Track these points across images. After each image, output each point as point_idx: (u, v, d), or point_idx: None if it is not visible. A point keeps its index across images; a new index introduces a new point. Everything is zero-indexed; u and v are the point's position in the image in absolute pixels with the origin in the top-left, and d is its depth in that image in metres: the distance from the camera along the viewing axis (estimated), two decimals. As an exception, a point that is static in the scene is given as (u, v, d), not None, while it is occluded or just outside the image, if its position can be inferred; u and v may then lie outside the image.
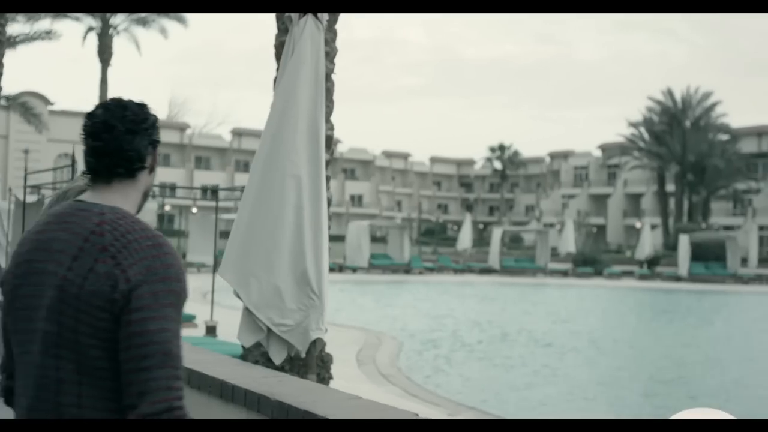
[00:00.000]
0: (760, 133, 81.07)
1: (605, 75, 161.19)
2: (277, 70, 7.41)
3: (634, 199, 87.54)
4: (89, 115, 2.31)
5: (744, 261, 51.55)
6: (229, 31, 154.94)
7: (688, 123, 72.74)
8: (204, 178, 79.72)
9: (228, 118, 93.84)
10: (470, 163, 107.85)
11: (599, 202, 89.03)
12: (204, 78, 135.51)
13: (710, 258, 49.61)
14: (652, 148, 72.44)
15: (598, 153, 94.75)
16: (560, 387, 15.67)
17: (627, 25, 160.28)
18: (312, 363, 6.75)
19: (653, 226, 66.18)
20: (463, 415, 11.09)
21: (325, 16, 5.71)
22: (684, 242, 46.39)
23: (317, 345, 5.73)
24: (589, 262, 50.65)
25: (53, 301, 2.13)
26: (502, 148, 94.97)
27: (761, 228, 66.81)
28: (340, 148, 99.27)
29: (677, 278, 47.07)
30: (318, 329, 5.67)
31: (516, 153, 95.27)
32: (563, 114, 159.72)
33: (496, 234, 50.47)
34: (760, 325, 28.28)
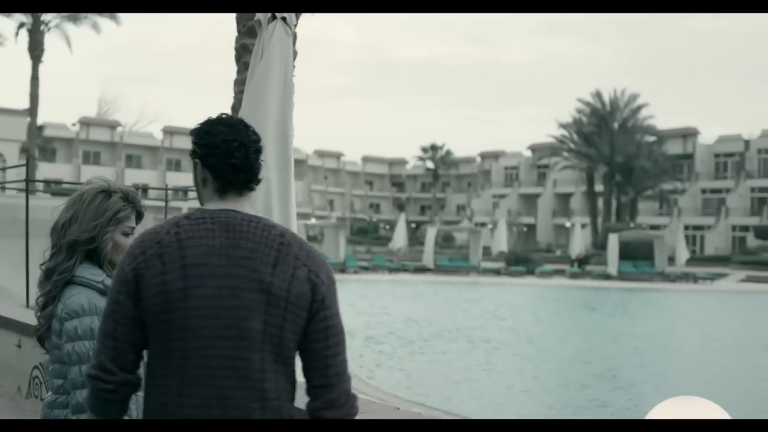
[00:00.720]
0: (685, 134, 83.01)
1: (534, 76, 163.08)
2: (237, 72, 7.54)
3: (564, 198, 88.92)
4: (215, 132, 2.57)
5: (671, 260, 52.79)
6: (159, 29, 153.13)
7: (616, 125, 74.12)
8: (135, 176, 78.68)
9: (159, 116, 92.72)
10: (402, 162, 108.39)
11: (529, 201, 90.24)
12: (134, 75, 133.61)
13: (638, 257, 50.74)
14: (581, 149, 73.68)
15: (528, 153, 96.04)
16: (498, 381, 16.11)
17: (554, 27, 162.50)
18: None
19: (582, 226, 67.30)
20: (412, 410, 11.27)
21: (293, 21, 5.84)
22: (613, 241, 47.35)
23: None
24: (522, 261, 51.37)
25: (258, 303, 2.45)
26: (434, 148, 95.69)
27: (687, 227, 68.31)
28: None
29: (607, 277, 48.03)
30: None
31: (448, 153, 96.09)
32: (493, 115, 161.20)
33: (431, 233, 50.92)
34: (685, 322, 29.12)
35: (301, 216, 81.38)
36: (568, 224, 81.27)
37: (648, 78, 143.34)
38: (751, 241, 69.66)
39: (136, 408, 3.07)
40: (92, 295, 3.08)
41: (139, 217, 3.29)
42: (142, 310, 2.45)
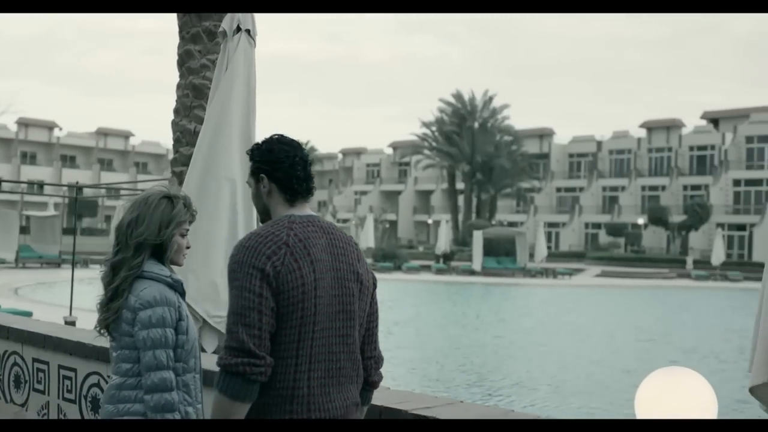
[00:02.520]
0: (541, 135, 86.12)
1: (391, 75, 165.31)
2: (181, 77, 7.82)
3: (425, 195, 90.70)
4: (277, 150, 3.13)
5: (531, 256, 54.82)
6: (6, 17, 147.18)
7: (476, 124, 76.11)
8: (-14, 169, 75.91)
9: (10, 107, 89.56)
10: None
11: (391, 198, 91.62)
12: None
13: (501, 253, 52.44)
14: (443, 147, 75.30)
15: (390, 151, 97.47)
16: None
17: (410, 26, 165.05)
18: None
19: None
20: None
21: (255, 33, 6.22)
22: (478, 238, 48.76)
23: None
24: (389, 257, 52.30)
25: (355, 290, 3.08)
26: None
27: (543, 224, 70.95)
28: (132, 141, 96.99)
29: (472, 272, 49.44)
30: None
31: (312, 149, 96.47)
32: (351, 112, 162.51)
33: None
34: (542, 313, 30.63)
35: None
36: (429, 221, 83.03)
37: (502, 78, 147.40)
38: (603, 237, 72.95)
39: (197, 416, 3.48)
40: (162, 288, 3.46)
41: (192, 220, 3.69)
42: (279, 302, 2.88)
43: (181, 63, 7.72)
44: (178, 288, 3.54)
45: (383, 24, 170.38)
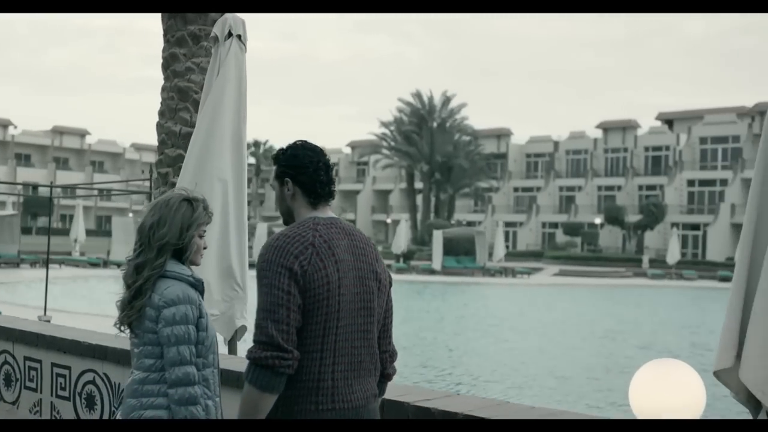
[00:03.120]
0: (499, 135, 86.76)
1: (348, 74, 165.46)
2: (165, 79, 7.96)
3: (383, 195, 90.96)
4: (302, 156, 3.29)
5: (491, 255, 55.27)
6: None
7: (435, 124, 76.50)
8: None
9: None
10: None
11: (349, 198, 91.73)
12: None
13: (460, 252, 52.82)
14: (401, 147, 75.59)
15: (348, 150, 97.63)
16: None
17: (366, 26, 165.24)
18: (235, 349, 7.35)
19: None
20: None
21: (246, 38, 6.38)
22: (438, 237, 49.09)
23: (240, 332, 6.37)
24: (349, 256, 52.30)
25: (374, 288, 3.27)
26: (257, 144, 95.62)
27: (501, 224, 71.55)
28: (89, 140, 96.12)
29: (432, 271, 49.77)
30: (242, 318, 6.36)
31: (271, 148, 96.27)
32: (307, 111, 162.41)
33: (261, 229, 51.19)
34: (503, 312, 31.03)
35: (118, 211, 79.72)
36: (388, 220, 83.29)
37: (459, 78, 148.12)
38: (560, 237, 73.73)
39: (215, 409, 3.64)
40: (184, 287, 3.61)
41: (209, 221, 3.85)
42: (306, 299, 3.06)
43: (166, 66, 7.85)
44: (198, 287, 3.69)
45: (339, 23, 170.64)
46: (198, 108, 7.62)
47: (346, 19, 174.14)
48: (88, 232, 54.19)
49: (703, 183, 72.10)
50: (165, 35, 7.86)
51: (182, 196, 3.73)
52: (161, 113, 7.82)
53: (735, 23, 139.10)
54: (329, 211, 3.32)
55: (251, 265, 5.47)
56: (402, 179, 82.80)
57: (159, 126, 7.81)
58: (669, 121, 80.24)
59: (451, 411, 4.17)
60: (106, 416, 5.90)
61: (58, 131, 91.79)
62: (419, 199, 77.42)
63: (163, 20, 7.89)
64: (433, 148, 73.53)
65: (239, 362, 5.48)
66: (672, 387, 3.62)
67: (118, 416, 3.68)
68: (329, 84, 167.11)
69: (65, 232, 59.29)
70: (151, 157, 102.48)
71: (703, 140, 73.75)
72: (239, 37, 6.26)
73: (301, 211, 3.29)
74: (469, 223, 77.07)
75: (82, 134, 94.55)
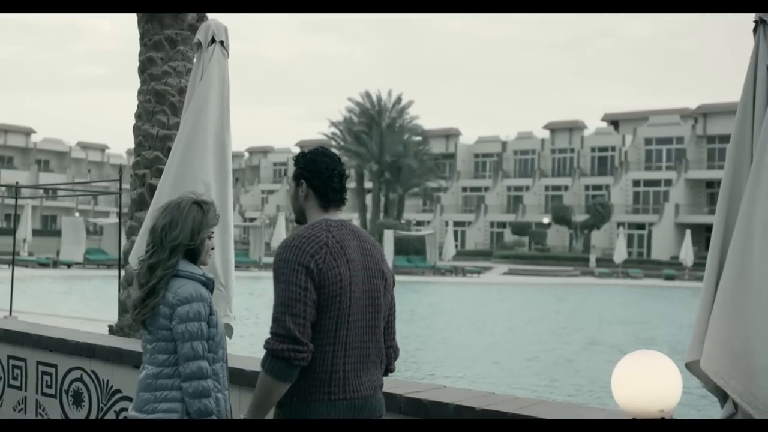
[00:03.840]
0: (447, 135, 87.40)
1: (295, 74, 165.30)
2: (142, 83, 8.10)
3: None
4: (319, 161, 3.54)
5: (440, 254, 55.74)
6: None
7: (384, 124, 76.77)
8: None
9: None
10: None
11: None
12: None
13: (411, 251, 53.25)
14: (351, 147, 75.78)
15: (297, 150, 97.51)
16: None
17: (314, 26, 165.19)
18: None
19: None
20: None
21: (229, 44, 6.56)
22: (389, 237, 49.40)
23: (227, 331, 6.54)
24: (300, 256, 52.36)
25: (381, 286, 3.50)
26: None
27: (449, 223, 72.09)
28: (34, 138, 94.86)
29: (382, 270, 50.10)
30: (226, 316, 6.51)
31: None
32: (255, 110, 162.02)
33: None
34: (454, 310, 31.46)
35: (64, 210, 78.80)
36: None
37: (407, 78, 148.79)
38: (508, 236, 74.56)
39: (225, 402, 3.84)
40: (197, 286, 3.81)
41: (216, 224, 4.04)
42: (320, 295, 3.31)
43: (143, 69, 7.99)
44: (209, 285, 3.89)
45: (286, 23, 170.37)
46: (174, 111, 7.83)
47: (294, 18, 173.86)
48: (35, 232, 53.54)
49: (648, 183, 73.37)
50: (141, 39, 7.99)
51: (192, 200, 3.92)
52: (138, 116, 7.96)
53: (678, 26, 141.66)
54: (340, 214, 3.56)
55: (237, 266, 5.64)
56: (351, 179, 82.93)
57: (136, 128, 7.94)
58: (614, 122, 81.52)
59: (442, 402, 4.42)
60: (94, 412, 6.05)
61: (3, 129, 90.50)
62: (369, 198, 77.65)
63: (139, 24, 8.02)
64: (383, 148, 73.83)
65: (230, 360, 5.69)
66: (652, 376, 3.91)
67: (131, 410, 3.85)
68: (277, 83, 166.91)
69: (10, 231, 58.47)
70: (98, 156, 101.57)
71: (648, 141, 75.04)
72: (222, 43, 6.44)
73: (313, 212, 3.53)
74: (419, 223, 77.58)
75: (27, 132, 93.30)
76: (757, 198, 3.88)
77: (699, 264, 55.80)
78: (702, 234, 63.41)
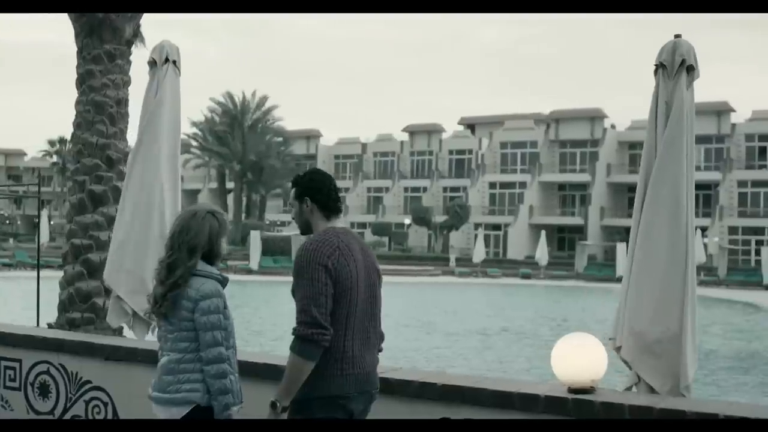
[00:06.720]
0: (308, 136, 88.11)
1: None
2: (81, 94, 8.57)
3: (191, 195, 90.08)
4: (318, 180, 4.35)
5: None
6: None
7: (247, 125, 76.77)
8: None
9: None
10: (20, 154, 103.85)
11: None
12: None
13: (276, 252, 53.79)
14: (213, 147, 75.47)
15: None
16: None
17: (162, 23, 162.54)
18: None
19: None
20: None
21: (180, 63, 7.17)
22: (255, 238, 49.77)
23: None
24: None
25: (377, 281, 4.30)
26: (62, 141, 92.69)
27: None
28: None
29: (249, 271, 50.33)
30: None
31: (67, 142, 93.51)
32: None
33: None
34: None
35: None
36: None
37: (264, 78, 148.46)
38: (369, 236, 75.78)
39: (236, 382, 4.46)
40: (215, 283, 4.46)
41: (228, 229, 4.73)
42: (336, 289, 4.09)
43: (82, 81, 8.46)
44: (224, 283, 4.56)
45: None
46: (113, 121, 8.38)
47: (145, 17, 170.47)
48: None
49: (504, 185, 76.12)
50: (80, 52, 8.44)
51: (206, 209, 4.58)
52: (77, 125, 8.40)
53: (530, 31, 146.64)
54: (340, 222, 4.32)
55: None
56: (211, 179, 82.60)
57: (75, 137, 8.40)
58: (471, 125, 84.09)
59: (430, 382, 5.16)
60: (62, 403, 6.50)
61: None
62: (230, 199, 77.48)
63: (77, 38, 8.46)
64: (246, 149, 73.89)
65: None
66: (583, 353, 4.82)
67: (152, 392, 4.47)
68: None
69: None
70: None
71: (503, 145, 77.79)
72: (174, 62, 7.05)
73: (319, 223, 4.28)
74: (282, 223, 77.93)
75: None
76: (657, 199, 4.93)
77: (553, 263, 58.47)
78: (555, 234, 66.35)
